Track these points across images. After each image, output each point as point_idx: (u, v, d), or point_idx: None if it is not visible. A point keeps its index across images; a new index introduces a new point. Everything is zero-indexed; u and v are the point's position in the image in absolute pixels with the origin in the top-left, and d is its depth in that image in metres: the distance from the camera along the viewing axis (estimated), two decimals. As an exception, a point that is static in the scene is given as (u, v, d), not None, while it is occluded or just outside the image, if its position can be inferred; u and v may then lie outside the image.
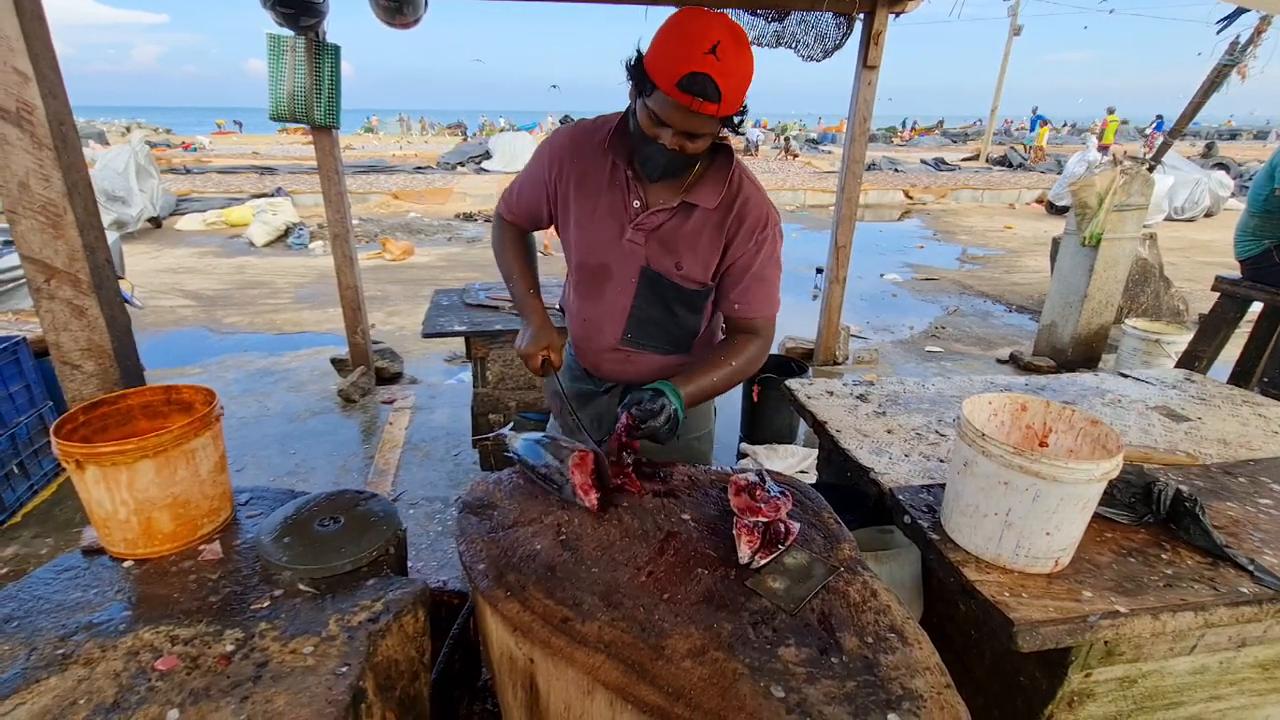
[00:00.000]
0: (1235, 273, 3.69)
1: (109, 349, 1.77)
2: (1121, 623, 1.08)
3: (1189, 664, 1.23)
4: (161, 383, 1.38)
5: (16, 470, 2.89)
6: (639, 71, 1.21)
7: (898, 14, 3.99)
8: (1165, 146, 4.94)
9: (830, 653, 0.97)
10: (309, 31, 3.58)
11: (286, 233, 9.34)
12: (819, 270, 6.71)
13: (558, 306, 1.75)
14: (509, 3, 3.91)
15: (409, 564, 1.34)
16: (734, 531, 1.17)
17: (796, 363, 3.82)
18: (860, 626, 1.02)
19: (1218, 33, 4.20)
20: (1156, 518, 1.32)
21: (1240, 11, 3.92)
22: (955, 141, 32.26)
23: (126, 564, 1.17)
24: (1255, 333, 3.64)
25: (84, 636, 1.00)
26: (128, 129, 28.43)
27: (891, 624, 1.02)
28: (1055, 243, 5.51)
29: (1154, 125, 22.11)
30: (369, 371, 4.35)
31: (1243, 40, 4.17)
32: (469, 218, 11.32)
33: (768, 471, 1.36)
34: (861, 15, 3.92)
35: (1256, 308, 3.64)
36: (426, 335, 3.02)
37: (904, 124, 42.01)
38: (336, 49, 3.65)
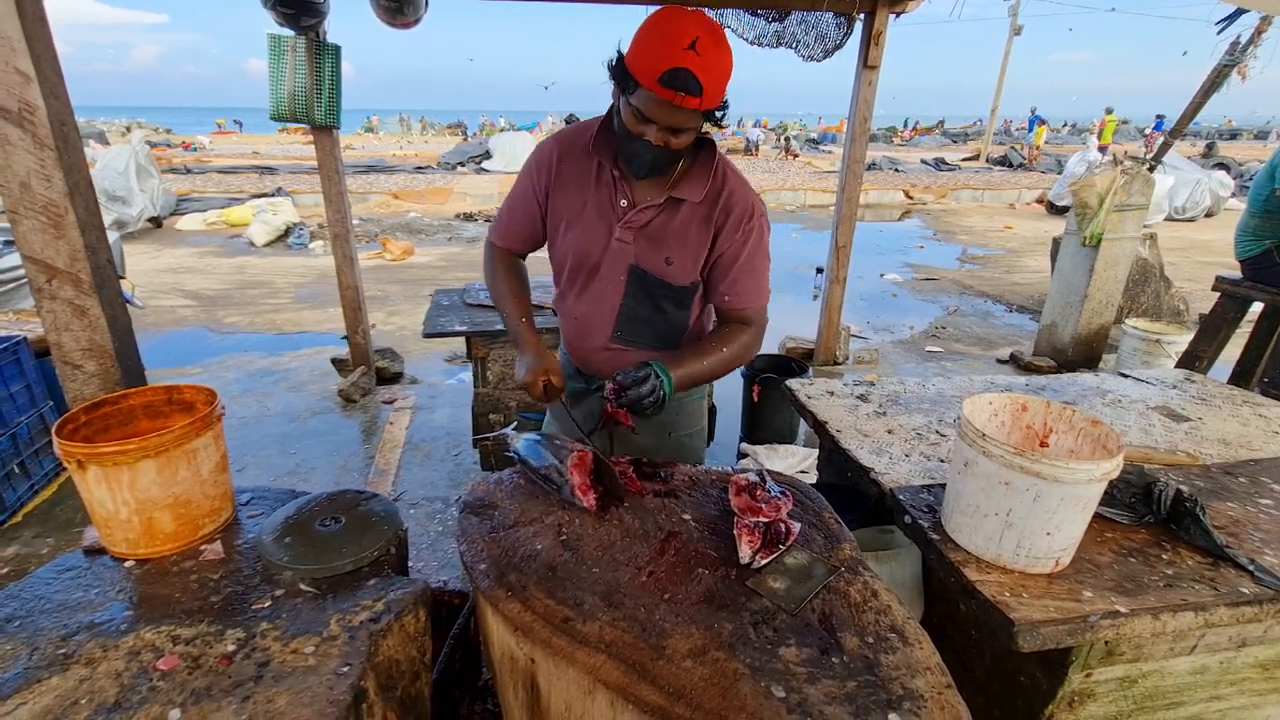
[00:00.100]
0: (1236, 273, 3.69)
1: (110, 349, 1.77)
2: (1122, 623, 1.08)
3: (1189, 664, 1.23)
4: (162, 383, 1.38)
5: (17, 470, 2.89)
6: (621, 71, 1.23)
7: (898, 14, 3.99)
8: (1166, 146, 4.94)
9: (831, 653, 0.97)
10: (309, 31, 3.58)
11: (287, 233, 9.34)
12: (819, 270, 6.71)
13: (550, 308, 1.75)
14: (509, 2, 3.91)
15: (410, 564, 1.34)
16: (735, 531, 1.17)
17: (797, 363, 3.82)
18: (861, 626, 1.02)
19: (1218, 33, 4.20)
20: (1157, 518, 1.32)
21: (1240, 12, 3.92)
22: (955, 141, 32.26)
23: (128, 564, 1.17)
24: (1256, 333, 3.64)
25: (86, 636, 1.00)
26: (128, 129, 28.44)
27: (892, 624, 1.03)
28: (1055, 243, 5.51)
29: (1154, 125, 22.11)
30: (369, 371, 4.35)
31: (1243, 40, 4.17)
32: (469, 218, 11.32)
33: (768, 471, 1.36)
34: (862, 15, 3.92)
35: (1257, 308, 3.64)
36: (427, 335, 3.03)
37: (905, 124, 42.04)
38: (337, 49, 3.65)
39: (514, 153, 16.68)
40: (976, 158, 21.82)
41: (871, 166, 17.61)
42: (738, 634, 1.00)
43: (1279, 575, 1.17)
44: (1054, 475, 1.09)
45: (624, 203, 1.41)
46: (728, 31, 3.85)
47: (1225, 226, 9.25)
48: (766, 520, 1.18)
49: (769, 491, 1.26)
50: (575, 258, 1.48)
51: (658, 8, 1.25)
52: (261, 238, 9.05)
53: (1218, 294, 3.74)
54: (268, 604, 1.08)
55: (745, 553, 1.14)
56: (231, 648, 0.99)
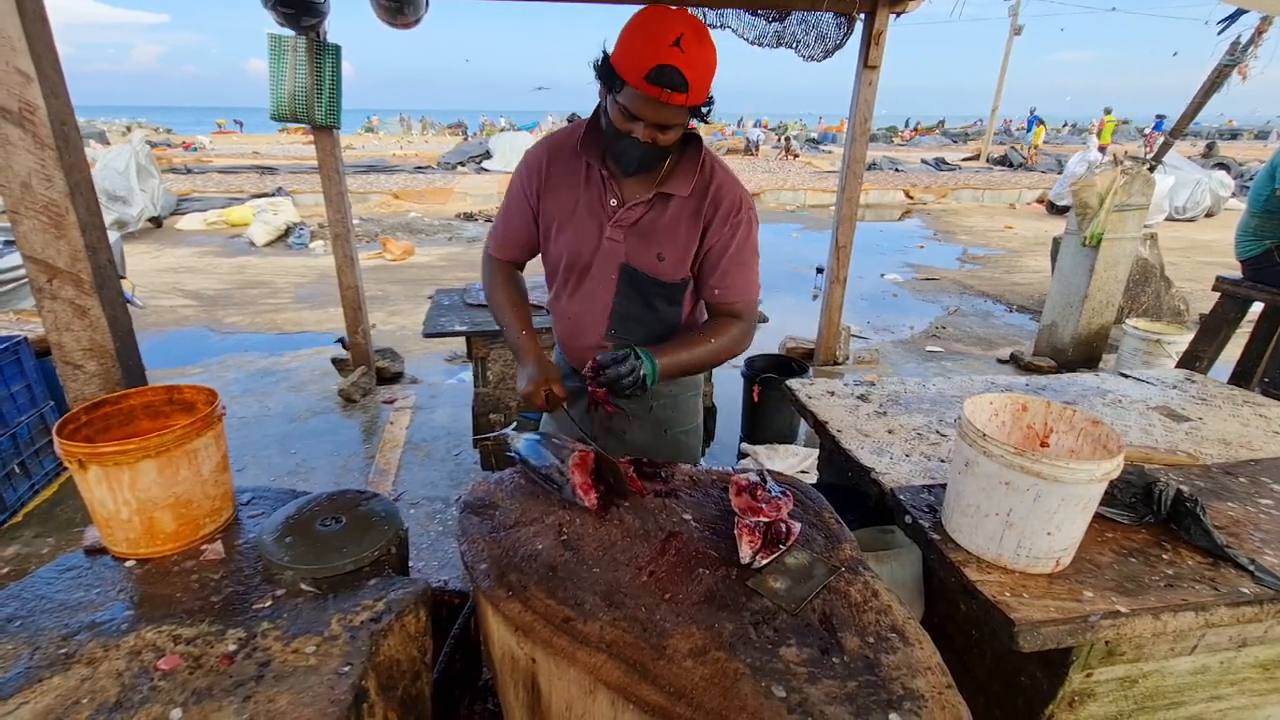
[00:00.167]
0: (1236, 273, 3.69)
1: (111, 349, 1.77)
2: (1122, 623, 1.08)
3: (1190, 664, 1.23)
4: (163, 383, 1.38)
5: (18, 470, 2.89)
6: (607, 70, 1.24)
7: (898, 14, 3.99)
8: (1166, 146, 4.94)
9: (831, 653, 0.97)
10: (310, 31, 3.58)
11: (287, 232, 9.34)
12: (819, 270, 6.71)
13: (544, 309, 1.76)
14: (510, 2, 3.91)
15: (410, 563, 1.34)
16: (735, 531, 1.17)
17: (797, 363, 3.82)
18: (861, 626, 1.02)
19: (1219, 33, 4.20)
20: (1157, 518, 1.32)
21: (1241, 12, 3.92)
22: (956, 141, 32.26)
23: (129, 563, 1.18)
24: (1256, 333, 3.64)
25: (87, 636, 1.00)
26: (128, 129, 28.46)
27: (893, 624, 1.03)
28: (1056, 243, 5.51)
29: (1153, 125, 22.12)
30: (370, 371, 4.35)
31: (1244, 40, 4.17)
32: (469, 217, 11.32)
33: (769, 471, 1.36)
34: (862, 15, 3.92)
35: (1257, 308, 3.64)
36: (427, 335, 3.03)
37: (907, 123, 42.06)
38: (337, 49, 3.65)
39: (514, 153, 16.68)
40: (977, 157, 21.82)
41: (872, 166, 17.62)
42: (738, 634, 1.00)
43: (1279, 575, 1.17)
44: (1054, 475, 1.09)
45: (614, 202, 1.42)
46: (728, 31, 3.85)
47: (1225, 226, 9.25)
48: (767, 520, 1.18)
49: (769, 491, 1.26)
50: (568, 258, 1.49)
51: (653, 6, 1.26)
52: (262, 237, 9.05)
53: (1218, 294, 3.74)
54: (268, 604, 1.08)
55: (746, 553, 1.14)
56: (232, 647, 0.99)
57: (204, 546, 1.22)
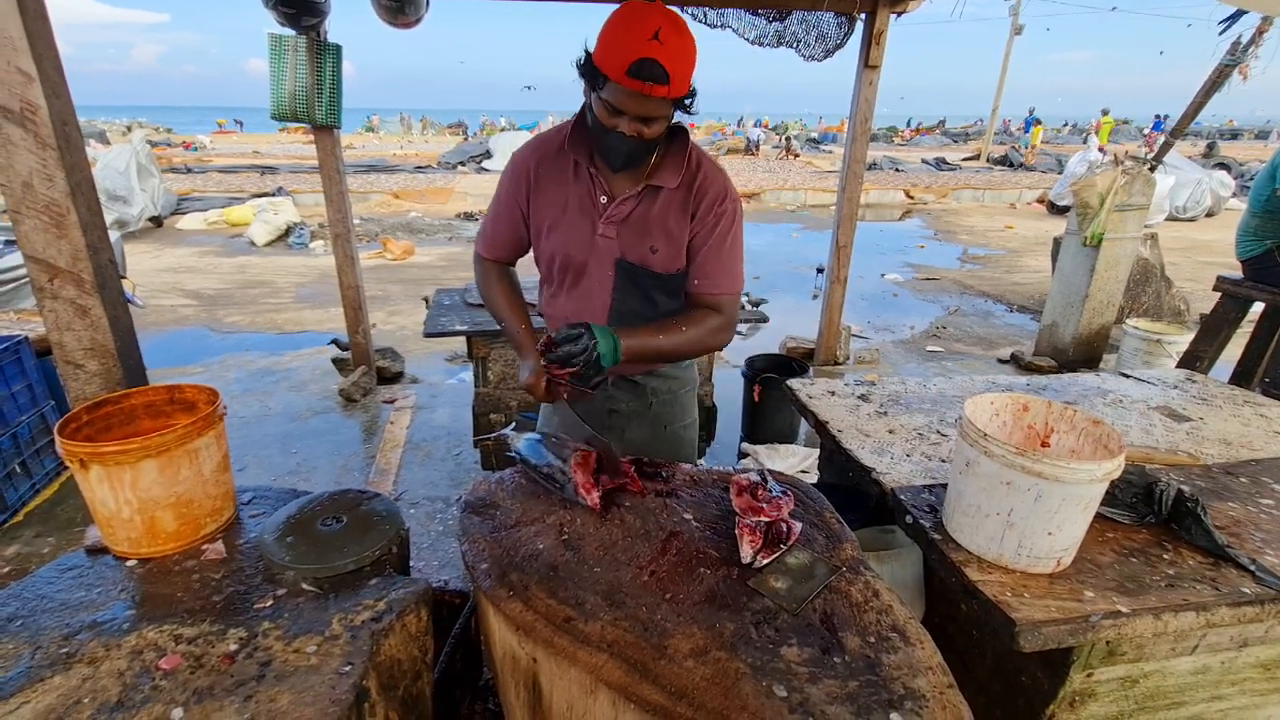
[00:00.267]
0: (1237, 273, 3.69)
1: (112, 348, 1.77)
2: (1123, 623, 1.08)
3: (1190, 664, 1.23)
4: (164, 382, 1.38)
5: (19, 469, 2.90)
6: (590, 68, 1.26)
7: (899, 14, 3.99)
8: (1166, 146, 4.94)
9: (832, 652, 0.97)
10: (310, 31, 3.58)
11: (287, 232, 9.35)
12: (820, 270, 6.71)
13: (537, 312, 1.75)
14: (510, 2, 3.91)
15: (411, 563, 1.34)
16: (736, 531, 1.18)
17: (797, 362, 3.82)
18: (862, 626, 1.02)
19: (1220, 33, 4.20)
20: (1158, 518, 1.32)
21: (1241, 12, 3.92)
22: (956, 141, 32.25)
23: (130, 563, 1.18)
24: (1257, 333, 3.64)
25: (88, 635, 1.01)
26: (128, 128, 28.46)
27: (894, 624, 1.03)
28: (1056, 243, 5.51)
29: (1152, 125, 22.13)
30: (370, 371, 4.35)
31: (1244, 40, 4.17)
32: (470, 217, 11.32)
33: (769, 471, 1.36)
34: (863, 15, 3.92)
35: (1258, 308, 3.64)
36: (428, 335, 3.03)
37: (908, 123, 42.06)
38: (338, 48, 3.65)
39: (514, 152, 16.68)
40: (977, 157, 21.81)
41: (872, 166, 17.62)
42: (739, 634, 1.00)
43: (1280, 575, 1.17)
44: (1055, 475, 1.09)
45: (604, 199, 1.43)
46: (728, 31, 3.85)
47: (1226, 226, 9.24)
48: (768, 520, 1.18)
49: (770, 491, 1.26)
50: (562, 258, 1.49)
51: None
52: (262, 237, 9.06)
53: (1219, 294, 3.74)
54: (270, 603, 1.08)
55: (747, 552, 1.14)
56: (234, 647, 0.99)
57: (205, 546, 1.22)
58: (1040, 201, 13.87)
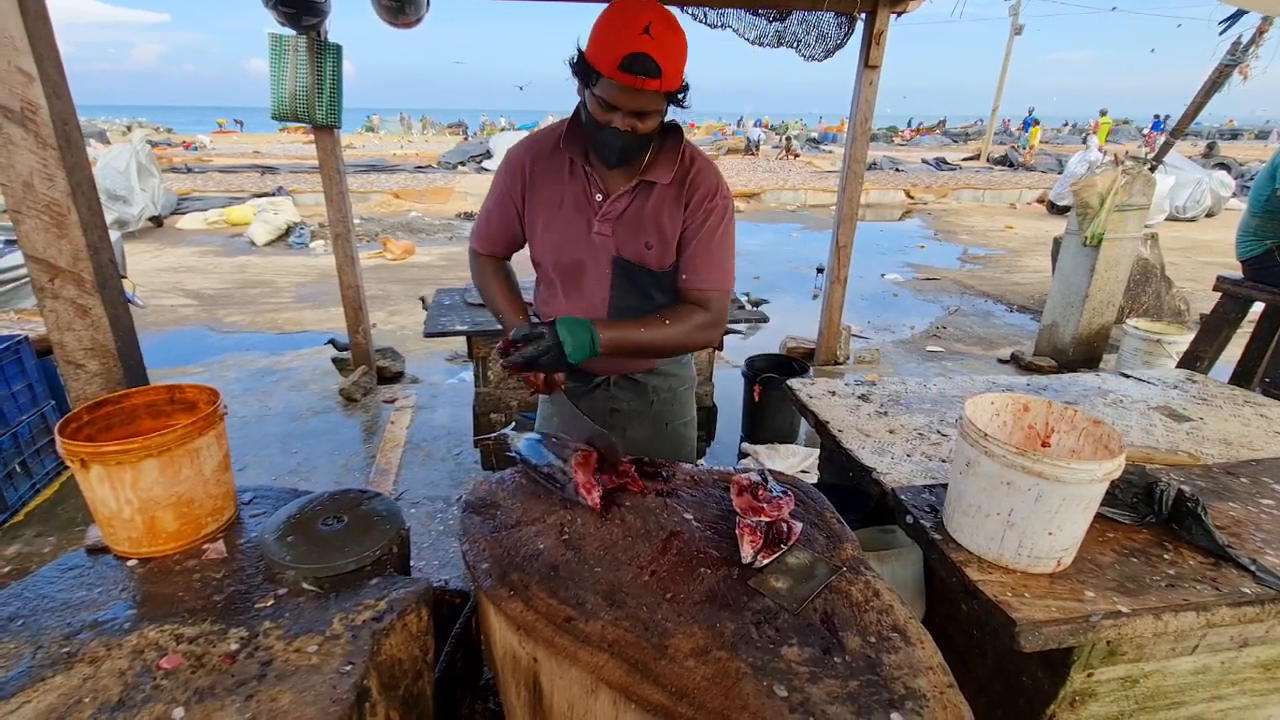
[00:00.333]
0: (1237, 273, 3.69)
1: (112, 348, 1.77)
2: (1124, 623, 1.08)
3: (1191, 664, 1.23)
4: (164, 382, 1.38)
5: (19, 469, 2.90)
6: (582, 65, 1.27)
7: (899, 14, 3.99)
8: (1167, 146, 4.94)
9: (833, 652, 0.97)
10: (311, 31, 3.58)
11: (287, 232, 9.35)
12: (820, 270, 6.71)
13: (532, 313, 1.75)
14: (510, 2, 3.91)
15: (411, 563, 1.34)
16: (736, 531, 1.17)
17: (798, 362, 3.82)
18: (863, 626, 1.02)
19: (1220, 33, 4.20)
20: (1159, 518, 1.32)
21: (1242, 12, 3.92)
22: (956, 141, 32.25)
23: (131, 563, 1.18)
24: (1257, 333, 3.64)
25: (89, 635, 1.01)
26: (129, 128, 28.47)
27: (894, 623, 1.03)
28: (1056, 243, 5.51)
29: (1151, 125, 22.14)
30: (370, 371, 4.35)
31: (1244, 40, 4.17)
32: (470, 217, 11.32)
33: (770, 471, 1.36)
34: (863, 15, 3.92)
35: (1258, 308, 3.64)
36: (428, 335, 3.03)
37: (909, 123, 42.09)
38: (338, 48, 3.66)
39: (514, 152, 16.68)
40: (977, 157, 21.81)
41: (872, 166, 17.61)
42: (740, 633, 1.00)
43: (1281, 575, 1.17)
44: (1056, 475, 1.09)
45: (599, 197, 1.43)
46: (729, 31, 3.85)
47: (1226, 226, 9.24)
48: (768, 520, 1.18)
49: (771, 491, 1.26)
50: (557, 256, 1.50)
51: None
52: (262, 237, 9.06)
53: (1219, 294, 3.74)
54: (270, 603, 1.08)
55: (747, 552, 1.14)
56: (235, 646, 0.99)
57: (206, 545, 1.22)
58: (1040, 201, 13.87)
